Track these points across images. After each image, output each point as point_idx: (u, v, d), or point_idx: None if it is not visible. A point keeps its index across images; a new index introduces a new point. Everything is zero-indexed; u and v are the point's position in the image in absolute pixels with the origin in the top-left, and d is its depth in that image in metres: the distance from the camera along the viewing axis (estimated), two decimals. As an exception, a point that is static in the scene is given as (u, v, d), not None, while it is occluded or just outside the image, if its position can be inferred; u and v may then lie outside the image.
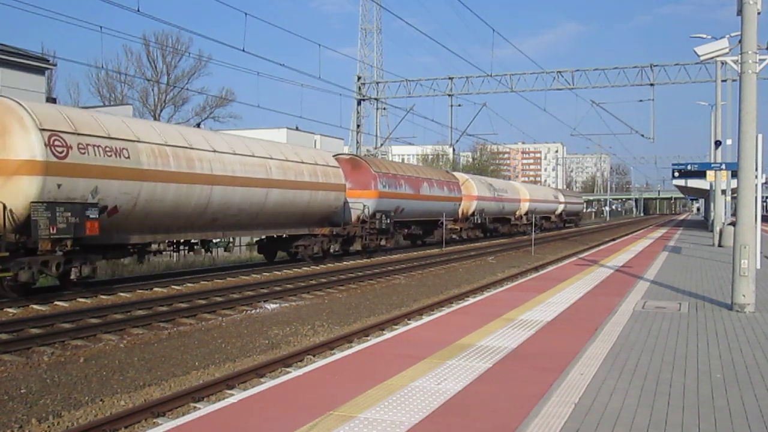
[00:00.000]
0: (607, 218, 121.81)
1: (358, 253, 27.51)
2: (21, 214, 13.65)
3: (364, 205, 27.28)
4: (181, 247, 19.78)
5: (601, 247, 31.49)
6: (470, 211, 39.59)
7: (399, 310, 14.70)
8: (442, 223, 34.31)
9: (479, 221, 40.43)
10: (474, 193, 39.95)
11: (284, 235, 23.67)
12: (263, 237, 24.27)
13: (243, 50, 25.97)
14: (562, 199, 65.88)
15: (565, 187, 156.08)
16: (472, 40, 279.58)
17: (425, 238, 36.54)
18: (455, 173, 42.84)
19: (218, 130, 38.84)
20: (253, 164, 20.20)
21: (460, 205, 38.25)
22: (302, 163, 22.84)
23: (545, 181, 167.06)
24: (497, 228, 46.47)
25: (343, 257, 26.59)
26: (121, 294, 15.70)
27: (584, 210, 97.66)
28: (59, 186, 14.06)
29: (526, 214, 50.54)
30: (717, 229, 27.83)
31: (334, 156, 27.53)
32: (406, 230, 33.07)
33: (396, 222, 30.53)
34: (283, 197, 21.51)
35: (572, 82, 40.44)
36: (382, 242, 28.69)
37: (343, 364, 7.43)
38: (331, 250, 25.22)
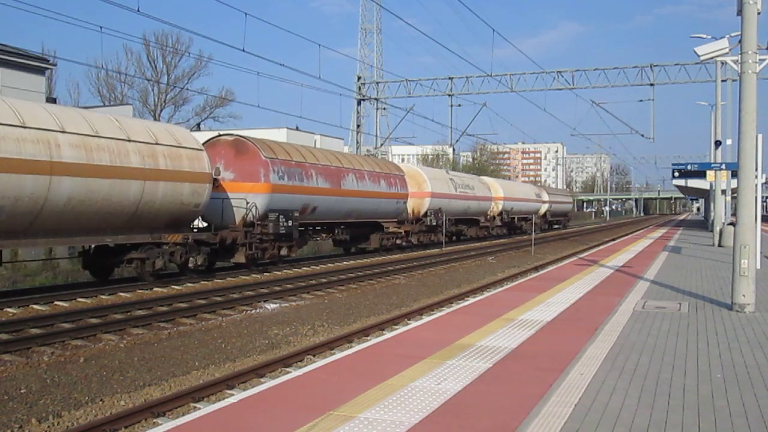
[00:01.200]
0: (607, 218, 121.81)
1: (244, 266, 20.96)
2: None
3: (249, 202, 20.48)
4: None
5: (601, 247, 31.49)
6: (422, 211, 33.19)
7: (399, 310, 14.70)
8: (382, 226, 29.23)
9: (434, 223, 33.27)
10: (426, 189, 33.33)
11: (111, 245, 16.69)
12: (81, 247, 17.54)
13: (243, 50, 26.06)
14: (545, 197, 58.26)
15: (564, 186, 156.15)
16: (472, 40, 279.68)
17: (358, 245, 29.48)
18: (405, 165, 36.91)
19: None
20: (24, 139, 13.60)
21: (405, 203, 31.20)
22: (129, 141, 16.08)
23: (545, 181, 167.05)
24: (462, 231, 40.21)
25: (238, 269, 21.25)
26: (121, 294, 15.70)
27: (574, 210, 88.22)
28: None
29: (500, 214, 44.97)
30: (717, 229, 27.83)
31: (214, 137, 21.96)
32: (326, 235, 26.94)
33: (308, 225, 24.15)
34: (87, 189, 14.77)
35: (572, 82, 40.46)
36: (283, 251, 21.97)
37: (343, 364, 7.43)
38: (191, 264, 18.34)
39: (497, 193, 44.86)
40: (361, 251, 29.67)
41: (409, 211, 32.41)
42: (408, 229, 32.08)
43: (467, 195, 38.62)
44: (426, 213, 33.16)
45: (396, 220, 30.81)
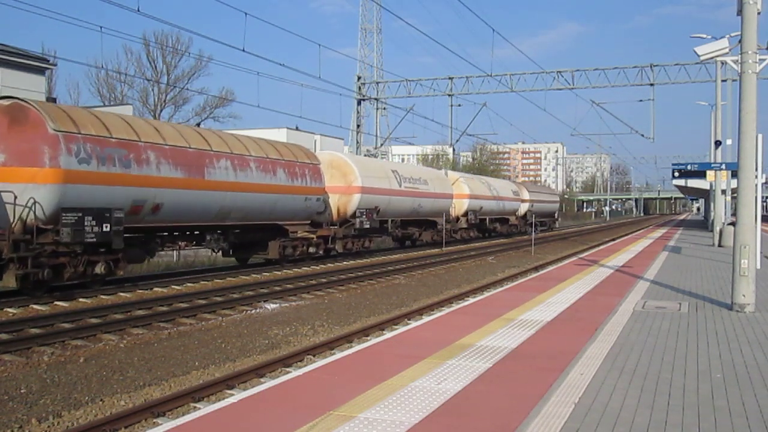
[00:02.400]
0: (607, 218, 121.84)
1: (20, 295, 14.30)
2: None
3: (16, 198, 13.84)
4: None
5: (601, 247, 31.49)
6: (350, 211, 26.44)
7: (399, 310, 14.70)
8: (285, 230, 22.45)
9: (367, 225, 26.59)
10: (355, 182, 26.46)
11: None
12: None
13: (243, 50, 25.94)
14: (526, 196, 51.51)
15: (564, 187, 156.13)
16: (472, 40, 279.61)
17: (252, 254, 22.80)
18: (329, 153, 29.05)
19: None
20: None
21: (322, 200, 24.07)
22: None
23: (545, 180, 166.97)
24: (413, 235, 33.77)
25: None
26: (121, 294, 15.69)
27: (561, 210, 79.16)
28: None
29: (466, 215, 38.68)
30: (717, 229, 27.84)
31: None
32: (186, 244, 20.09)
33: (150, 229, 17.53)
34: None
35: (572, 82, 40.48)
36: (99, 269, 15.35)
37: (343, 364, 7.43)
38: None
39: (461, 190, 38.07)
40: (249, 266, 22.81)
41: (334, 210, 26.17)
42: (326, 233, 24.62)
43: (417, 191, 31.57)
44: (355, 213, 26.28)
45: (308, 222, 23.59)
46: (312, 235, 23.84)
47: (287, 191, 21.82)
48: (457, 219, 38.52)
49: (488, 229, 44.68)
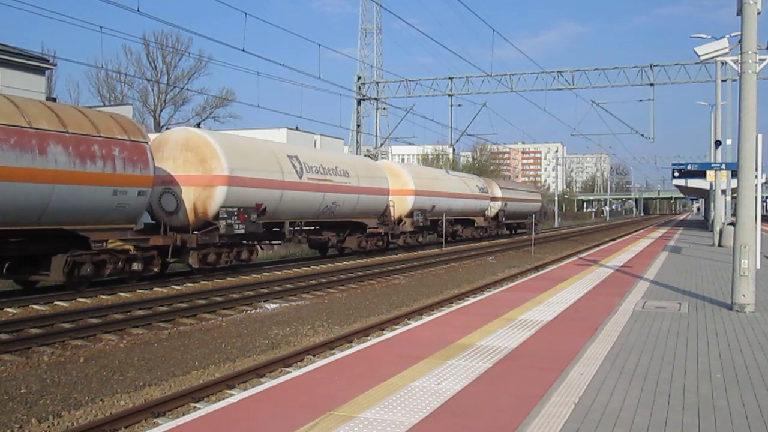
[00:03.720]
0: (607, 218, 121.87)
1: None
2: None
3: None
4: None
5: (601, 247, 31.49)
6: (211, 211, 19.09)
7: (399, 310, 14.70)
8: (85, 238, 15.31)
9: (240, 230, 19.42)
10: (218, 170, 19.12)
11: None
12: None
13: (243, 50, 25.83)
14: (498, 193, 44.66)
15: (565, 186, 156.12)
16: (472, 40, 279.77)
17: (35, 273, 15.55)
18: (178, 130, 21.57)
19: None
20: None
21: (146, 194, 16.68)
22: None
23: (545, 180, 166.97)
24: (327, 240, 25.97)
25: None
26: (121, 294, 15.69)
27: (543, 211, 70.36)
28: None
29: (411, 215, 31.46)
30: (717, 229, 27.84)
31: None
32: None
33: None
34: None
35: (572, 82, 40.46)
36: None
37: (343, 364, 7.43)
38: None
39: (402, 185, 30.97)
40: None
41: (188, 209, 18.98)
42: (162, 242, 17.71)
43: (329, 185, 24.17)
44: (218, 215, 19.01)
45: (118, 227, 16.23)
46: (127, 245, 16.55)
47: (74, 179, 14.60)
48: (400, 220, 30.96)
49: (447, 232, 36.80)
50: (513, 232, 51.90)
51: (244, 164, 20.04)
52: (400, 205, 31.10)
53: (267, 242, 23.86)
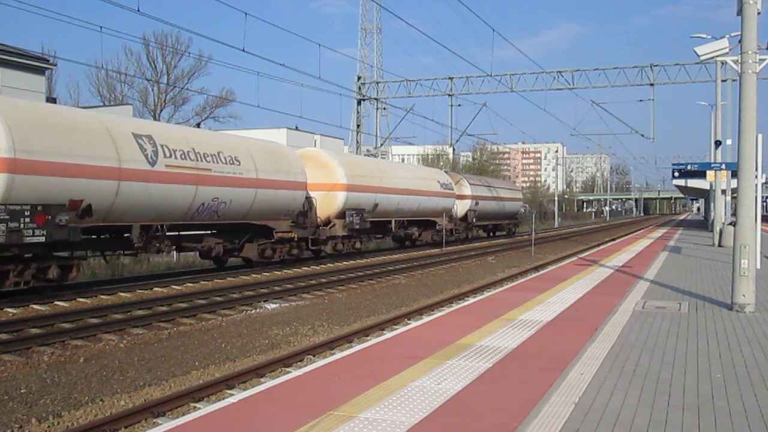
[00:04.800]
0: (607, 218, 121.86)
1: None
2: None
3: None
4: None
5: (601, 247, 31.49)
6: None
7: (399, 310, 14.70)
8: None
9: (36, 235, 13.55)
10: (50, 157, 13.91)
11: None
12: None
13: (243, 50, 25.79)
14: (466, 190, 38.67)
15: (565, 186, 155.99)
16: (472, 40, 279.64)
17: None
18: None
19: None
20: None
21: None
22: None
23: (545, 180, 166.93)
24: (210, 249, 19.87)
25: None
26: (121, 294, 15.69)
27: (525, 211, 61.30)
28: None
29: (342, 215, 25.81)
30: (717, 229, 27.84)
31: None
32: None
33: None
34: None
35: (572, 82, 40.46)
36: None
37: (343, 364, 7.43)
38: None
39: (331, 178, 25.47)
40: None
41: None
42: None
43: (207, 176, 18.19)
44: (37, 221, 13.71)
45: None
46: None
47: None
48: (328, 222, 25.62)
49: (401, 236, 32.96)
50: (491, 234, 46.77)
51: (47, 144, 14.10)
52: (327, 204, 25.29)
53: (103, 253, 17.97)
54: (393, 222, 29.99)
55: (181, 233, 19.53)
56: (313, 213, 24.34)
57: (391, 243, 35.40)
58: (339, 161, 26.44)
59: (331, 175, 25.77)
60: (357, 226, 26.47)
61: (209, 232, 20.54)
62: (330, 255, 25.85)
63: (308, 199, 23.91)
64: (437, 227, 34.28)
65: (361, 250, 28.21)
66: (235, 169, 19.49)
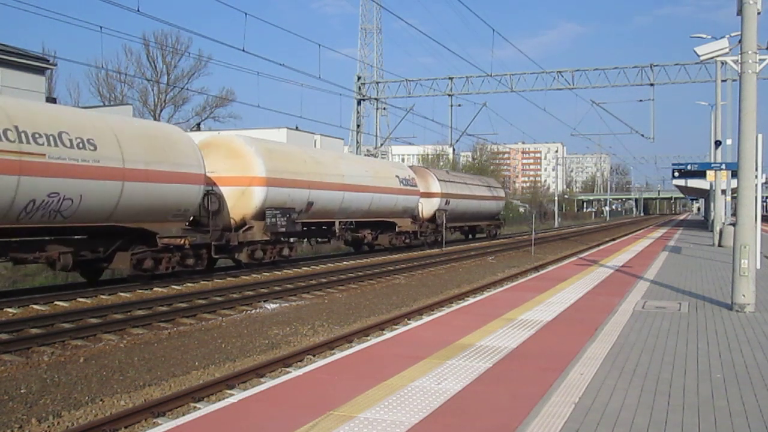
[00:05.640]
0: (607, 218, 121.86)
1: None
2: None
3: None
4: None
5: (601, 247, 31.49)
6: None
7: (399, 310, 14.70)
8: None
9: None
10: None
11: None
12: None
13: (243, 50, 25.79)
14: (435, 188, 34.33)
15: (565, 186, 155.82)
16: (472, 40, 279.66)
17: None
18: None
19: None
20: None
21: None
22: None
23: (545, 180, 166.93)
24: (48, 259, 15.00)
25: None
26: (121, 294, 15.70)
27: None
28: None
29: (261, 216, 20.91)
30: (717, 229, 27.85)
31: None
32: None
33: None
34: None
35: (572, 82, 40.46)
36: None
37: (343, 364, 7.43)
38: None
39: (246, 170, 20.84)
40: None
41: None
42: None
43: (57, 165, 14.10)
44: None
45: None
46: None
47: None
48: (243, 224, 20.59)
49: (348, 240, 28.72)
50: (469, 237, 42.32)
51: None
52: (242, 202, 20.69)
53: None
54: (337, 224, 25.45)
55: (11, 239, 14.77)
56: (224, 213, 20.29)
57: (347, 248, 31.23)
58: (257, 150, 21.22)
59: (246, 167, 20.88)
60: (282, 229, 21.46)
61: (50, 238, 15.39)
62: (248, 265, 21.06)
63: (214, 195, 19.95)
64: (397, 229, 30.28)
65: (290, 257, 23.16)
66: (88, 155, 14.83)
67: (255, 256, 21.02)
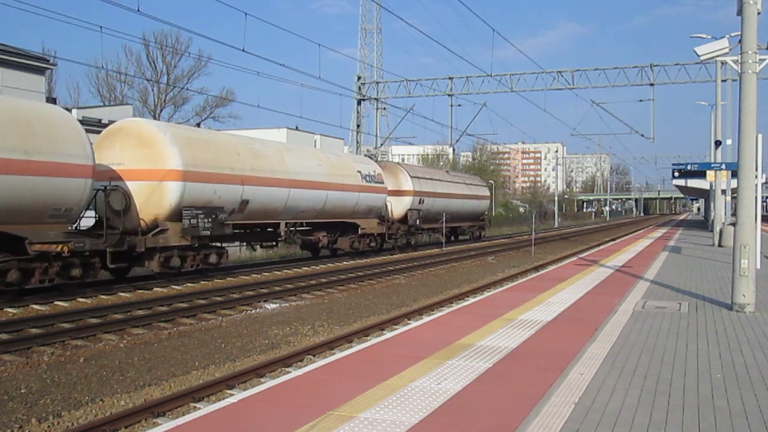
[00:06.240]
0: (607, 218, 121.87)
1: None
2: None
3: None
4: None
5: (601, 247, 31.49)
6: None
7: (399, 310, 14.70)
8: None
9: None
10: None
11: None
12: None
13: (243, 50, 25.75)
14: (407, 185, 31.26)
15: (565, 186, 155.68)
16: (472, 40, 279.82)
17: None
18: None
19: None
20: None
21: None
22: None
23: (545, 180, 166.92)
24: None
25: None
26: (121, 294, 15.69)
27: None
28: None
29: (177, 217, 17.56)
30: (717, 229, 27.85)
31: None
32: None
33: None
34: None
35: (572, 82, 40.44)
36: None
37: (343, 364, 7.43)
38: None
39: (157, 162, 17.56)
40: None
41: None
42: None
43: None
44: None
45: None
46: None
47: None
48: (154, 227, 17.41)
49: (311, 243, 25.40)
50: (452, 239, 38.26)
51: None
52: (153, 200, 17.38)
53: None
54: (282, 225, 22.13)
55: None
56: (132, 214, 17.10)
57: (305, 253, 27.93)
58: (172, 138, 17.75)
59: (158, 159, 17.44)
60: (205, 232, 18.13)
61: None
62: (163, 275, 17.75)
63: (117, 192, 16.95)
64: (360, 231, 26.99)
65: (219, 265, 19.62)
66: None
67: (170, 264, 17.55)
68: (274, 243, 23.62)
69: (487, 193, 44.40)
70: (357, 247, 27.08)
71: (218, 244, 19.85)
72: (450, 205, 35.92)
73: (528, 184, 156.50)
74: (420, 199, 32.05)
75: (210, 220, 18.27)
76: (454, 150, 70.22)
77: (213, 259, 19.11)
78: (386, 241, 29.63)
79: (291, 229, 23.15)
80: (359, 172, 27.05)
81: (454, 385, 6.47)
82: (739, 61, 11.02)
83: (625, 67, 39.92)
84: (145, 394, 8.43)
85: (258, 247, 24.29)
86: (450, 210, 35.75)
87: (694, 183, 43.50)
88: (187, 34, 66.32)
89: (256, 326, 12.76)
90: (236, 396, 6.28)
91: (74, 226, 15.73)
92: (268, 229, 22.78)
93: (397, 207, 30.95)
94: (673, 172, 35.36)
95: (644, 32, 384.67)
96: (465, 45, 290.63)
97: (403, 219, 31.18)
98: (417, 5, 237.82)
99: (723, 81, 30.01)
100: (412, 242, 32.14)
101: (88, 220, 17.41)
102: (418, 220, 31.76)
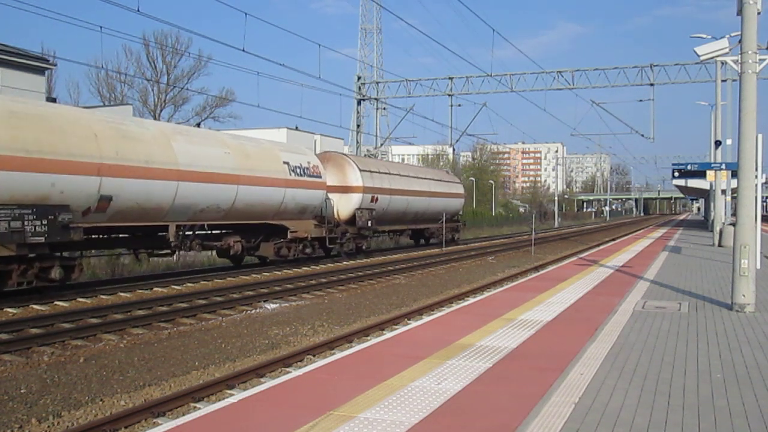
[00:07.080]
0: (607, 218, 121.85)
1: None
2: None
3: None
4: None
5: (601, 247, 31.48)
6: None
7: (399, 310, 14.70)
8: None
9: None
10: None
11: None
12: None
13: (243, 50, 25.75)
14: (355, 180, 26.70)
15: (565, 186, 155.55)
16: (472, 40, 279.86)
17: None
18: None
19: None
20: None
21: None
22: None
23: (545, 180, 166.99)
24: None
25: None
26: (121, 294, 15.69)
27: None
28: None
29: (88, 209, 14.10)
30: (717, 229, 27.84)
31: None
32: None
33: None
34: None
35: (572, 82, 40.45)
36: None
37: (343, 364, 7.43)
38: None
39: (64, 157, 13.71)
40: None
41: None
42: None
43: None
44: None
45: None
46: None
47: None
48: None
49: (217, 249, 21.14)
50: (421, 242, 34.88)
51: None
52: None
53: None
54: (172, 228, 17.65)
55: None
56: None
57: (224, 261, 23.42)
58: (107, 126, 15.46)
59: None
60: (38, 238, 13.55)
61: None
62: None
63: None
64: (290, 235, 22.50)
65: (69, 281, 15.14)
66: None
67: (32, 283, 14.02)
68: (168, 251, 19.13)
69: (461, 191, 38.92)
70: (285, 255, 22.56)
71: (65, 255, 15.34)
72: (413, 204, 31.14)
73: (528, 184, 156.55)
74: (372, 197, 27.30)
75: (44, 222, 13.66)
76: (454, 150, 70.22)
77: (56, 274, 14.33)
78: (328, 246, 25.03)
79: (186, 233, 18.40)
80: (286, 163, 22.07)
81: (454, 385, 6.47)
82: (739, 61, 11.02)
83: (625, 67, 39.97)
84: (145, 394, 8.43)
85: (147, 257, 19.52)
86: (415, 209, 31.46)
87: (694, 183, 43.51)
88: (187, 34, 66.36)
89: (256, 326, 12.75)
90: (236, 396, 6.28)
91: None
92: (159, 234, 18.04)
93: (344, 206, 26.42)
94: (673, 172, 35.39)
95: (644, 32, 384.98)
96: (465, 45, 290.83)
97: (352, 220, 26.52)
98: (417, 5, 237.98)
99: (723, 81, 30.01)
100: (364, 247, 27.36)
101: None
102: (370, 222, 26.90)
